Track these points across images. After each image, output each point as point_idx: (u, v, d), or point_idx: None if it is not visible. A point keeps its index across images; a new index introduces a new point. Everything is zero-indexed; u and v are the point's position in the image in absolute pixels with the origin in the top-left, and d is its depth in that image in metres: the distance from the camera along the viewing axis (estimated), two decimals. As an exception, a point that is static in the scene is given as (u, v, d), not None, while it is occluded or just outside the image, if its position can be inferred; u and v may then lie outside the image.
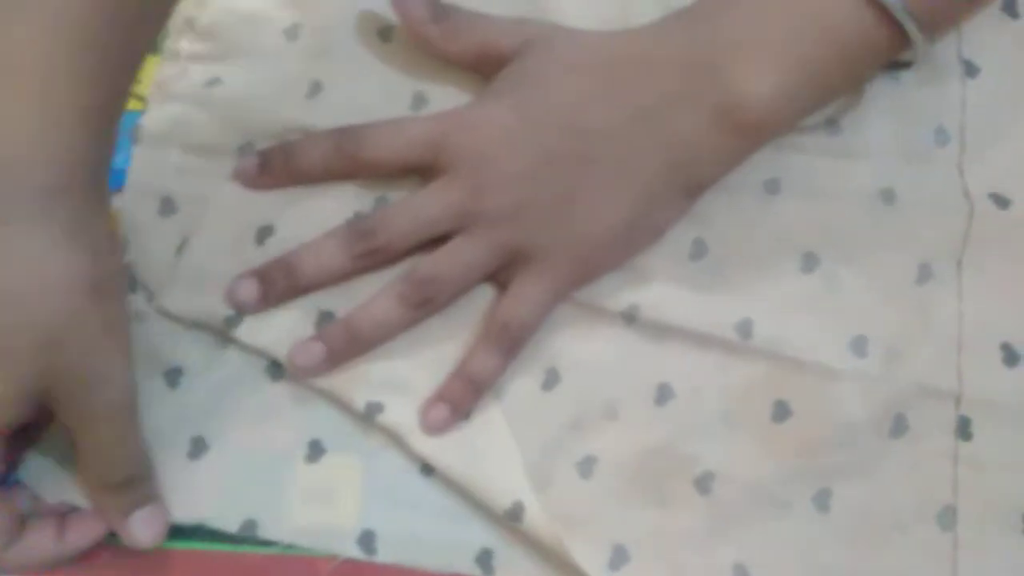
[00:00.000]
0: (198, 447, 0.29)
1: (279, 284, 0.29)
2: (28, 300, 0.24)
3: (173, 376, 0.30)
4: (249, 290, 0.29)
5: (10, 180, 0.24)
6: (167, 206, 0.31)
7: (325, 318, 0.30)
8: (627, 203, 0.29)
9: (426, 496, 0.29)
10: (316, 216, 0.31)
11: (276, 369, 0.30)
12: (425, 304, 0.29)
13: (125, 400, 0.26)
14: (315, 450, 0.29)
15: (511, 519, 0.28)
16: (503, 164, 0.29)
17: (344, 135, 0.30)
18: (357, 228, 0.30)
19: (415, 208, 0.30)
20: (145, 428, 0.28)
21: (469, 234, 0.29)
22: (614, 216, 0.29)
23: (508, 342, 0.29)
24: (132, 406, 0.26)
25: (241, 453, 0.29)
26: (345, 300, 0.30)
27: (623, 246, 0.30)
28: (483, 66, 0.31)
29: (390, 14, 0.32)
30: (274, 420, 0.29)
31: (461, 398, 0.29)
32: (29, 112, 0.24)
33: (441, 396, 0.29)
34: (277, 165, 0.31)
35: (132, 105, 0.34)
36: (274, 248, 0.30)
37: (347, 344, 0.29)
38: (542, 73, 0.30)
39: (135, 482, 0.27)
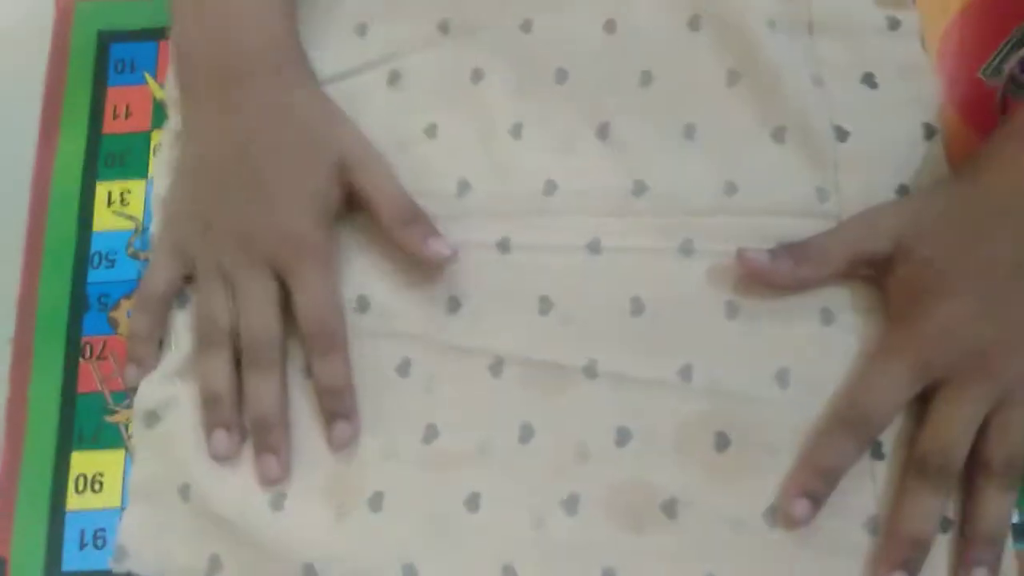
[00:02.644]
0: (214, 564, 0.34)
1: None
2: (322, 123, 0.38)
3: (184, 491, 0.35)
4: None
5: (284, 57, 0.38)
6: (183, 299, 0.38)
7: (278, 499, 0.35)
8: None
9: None
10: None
11: (279, 500, 0.35)
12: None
13: (384, 162, 0.38)
14: (310, 571, 0.34)
15: None
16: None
17: (851, 420, 0.34)
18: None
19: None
20: (165, 541, 0.34)
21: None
22: None
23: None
24: (390, 167, 0.38)
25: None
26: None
27: None
28: (860, 271, 0.36)
29: None
30: (279, 552, 0.34)
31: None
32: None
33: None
34: (819, 487, 0.34)
35: (123, 224, 0.40)
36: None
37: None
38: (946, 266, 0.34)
39: (419, 218, 0.37)
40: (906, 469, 0.34)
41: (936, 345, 0.33)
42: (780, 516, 0.34)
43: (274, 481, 0.34)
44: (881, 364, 0.34)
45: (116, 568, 0.34)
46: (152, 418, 0.36)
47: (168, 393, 0.36)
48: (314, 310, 0.35)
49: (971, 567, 0.32)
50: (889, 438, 0.34)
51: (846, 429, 0.34)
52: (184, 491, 0.35)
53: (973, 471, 0.33)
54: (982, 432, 0.33)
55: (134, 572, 0.34)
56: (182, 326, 0.37)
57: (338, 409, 0.35)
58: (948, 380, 0.33)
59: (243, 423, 0.35)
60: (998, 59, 0.40)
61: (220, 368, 0.35)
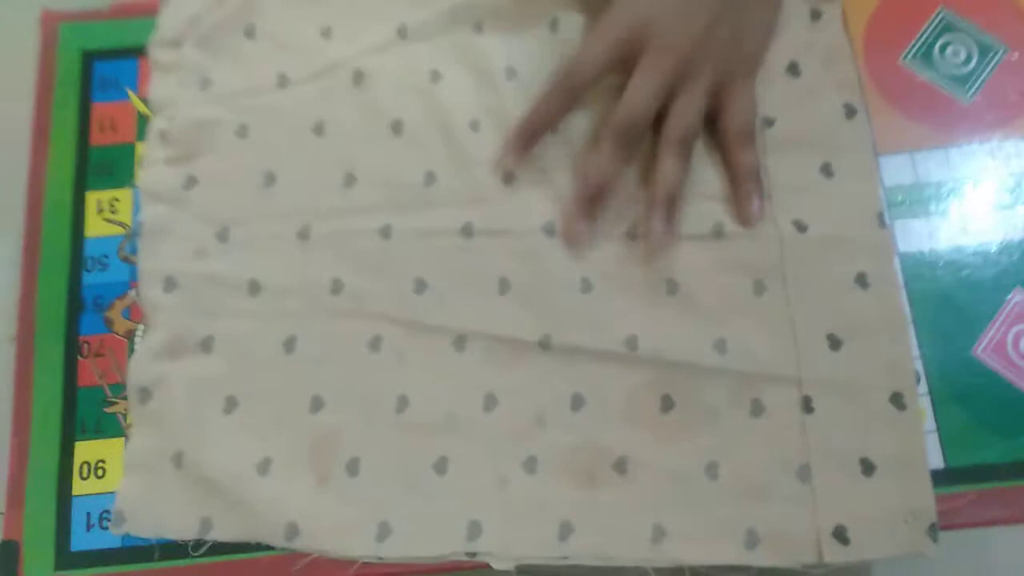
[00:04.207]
0: (206, 525, 0.38)
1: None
2: None
3: (178, 459, 0.39)
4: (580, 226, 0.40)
5: None
6: (170, 284, 0.41)
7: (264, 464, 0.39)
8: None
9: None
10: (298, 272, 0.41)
11: (265, 465, 0.38)
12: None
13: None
14: (293, 529, 0.38)
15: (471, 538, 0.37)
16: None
17: (559, 78, 0.41)
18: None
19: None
20: (160, 506, 0.38)
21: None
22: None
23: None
24: None
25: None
26: None
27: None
28: None
29: (318, 113, 0.42)
30: (265, 512, 0.38)
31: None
32: None
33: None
34: (525, 137, 0.41)
35: (114, 230, 0.43)
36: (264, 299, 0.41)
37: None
38: None
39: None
40: (601, 133, 0.41)
41: (623, 21, 0.40)
42: (720, 469, 0.37)
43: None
44: (583, 46, 0.41)
45: (115, 532, 0.38)
46: (145, 394, 0.40)
47: (158, 371, 0.40)
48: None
49: (652, 219, 0.40)
50: (818, 394, 0.38)
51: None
52: (177, 459, 0.39)
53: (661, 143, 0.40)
54: (668, 110, 0.40)
55: (132, 534, 0.38)
56: (168, 307, 0.41)
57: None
58: (641, 54, 0.40)
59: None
60: (920, 45, 0.44)
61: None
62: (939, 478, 0.37)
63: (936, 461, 0.38)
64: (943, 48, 0.44)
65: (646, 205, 0.40)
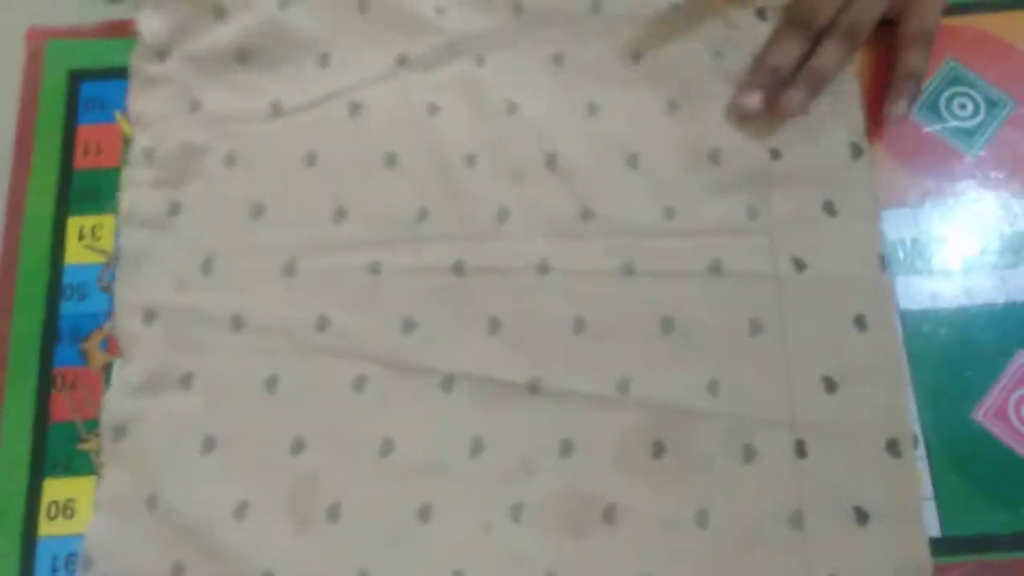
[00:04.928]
0: (177, 571, 0.37)
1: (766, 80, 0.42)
2: None
3: (151, 501, 0.38)
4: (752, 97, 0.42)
5: None
6: (150, 317, 0.40)
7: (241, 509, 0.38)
8: None
9: None
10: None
11: (242, 510, 0.38)
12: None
13: None
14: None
15: None
16: None
17: (791, 15, 0.43)
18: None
19: None
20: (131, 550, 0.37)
21: None
22: None
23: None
24: None
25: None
26: None
27: None
28: None
29: (310, 144, 0.41)
30: (240, 559, 0.37)
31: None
32: None
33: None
34: (768, 75, 0.42)
35: (95, 258, 0.42)
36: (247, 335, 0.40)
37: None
38: None
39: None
40: (781, 20, 0.43)
41: None
42: (710, 516, 0.37)
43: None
44: None
45: None
46: (119, 431, 0.39)
47: (135, 408, 0.39)
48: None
49: (794, 88, 0.42)
50: (812, 438, 0.38)
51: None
52: (151, 502, 0.38)
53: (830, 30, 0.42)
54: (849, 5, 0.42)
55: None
56: (147, 340, 0.40)
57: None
58: None
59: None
60: (927, 96, 0.43)
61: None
62: (935, 546, 0.37)
63: (933, 529, 0.37)
64: (950, 100, 0.44)
65: (796, 78, 0.42)
